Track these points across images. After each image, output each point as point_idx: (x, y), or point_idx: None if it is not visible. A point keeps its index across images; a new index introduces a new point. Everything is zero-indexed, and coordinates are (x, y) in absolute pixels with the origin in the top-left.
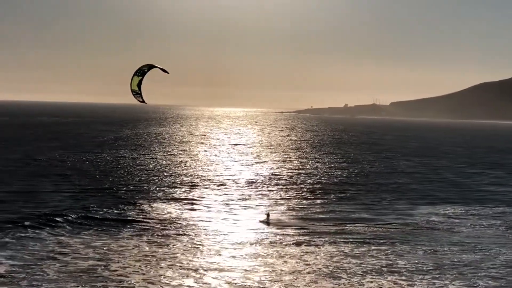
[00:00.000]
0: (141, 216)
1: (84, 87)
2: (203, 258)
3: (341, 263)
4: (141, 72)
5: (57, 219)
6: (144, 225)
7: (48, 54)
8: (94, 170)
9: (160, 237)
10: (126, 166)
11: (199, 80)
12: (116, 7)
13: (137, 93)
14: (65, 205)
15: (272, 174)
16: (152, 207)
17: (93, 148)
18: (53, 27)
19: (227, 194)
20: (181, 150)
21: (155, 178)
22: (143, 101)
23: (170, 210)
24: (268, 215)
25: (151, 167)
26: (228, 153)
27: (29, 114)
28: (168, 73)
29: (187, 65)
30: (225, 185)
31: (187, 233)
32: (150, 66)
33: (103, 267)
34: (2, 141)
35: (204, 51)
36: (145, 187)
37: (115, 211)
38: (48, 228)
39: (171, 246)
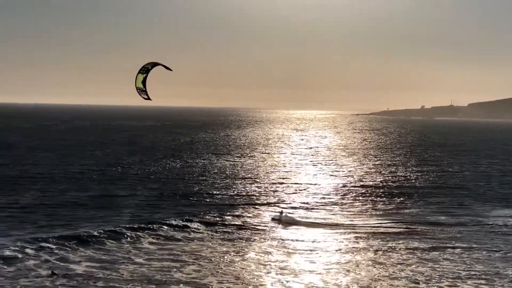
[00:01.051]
0: (218, 219)
1: (166, 91)
2: (280, 261)
3: (416, 266)
4: (145, 69)
5: (135, 224)
6: (219, 228)
7: (122, 58)
8: (170, 174)
9: (237, 240)
10: (203, 170)
11: (276, 82)
12: (198, 9)
13: (142, 90)
14: (142, 208)
15: (350, 177)
16: (229, 211)
17: (171, 152)
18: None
19: (306, 198)
20: (259, 153)
21: (232, 181)
22: (148, 98)
23: (249, 214)
24: (281, 213)
25: (229, 170)
26: (307, 157)
27: (109, 118)
28: (171, 70)
29: (263, 67)
30: (305, 189)
31: (262, 237)
32: (154, 64)
33: (175, 269)
34: (85, 145)
35: (282, 53)
36: (221, 190)
37: (188, 216)
38: (125, 230)
39: (246, 248)
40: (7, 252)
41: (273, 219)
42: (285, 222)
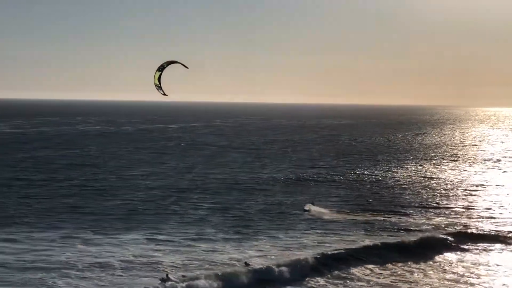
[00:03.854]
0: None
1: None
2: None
3: None
4: (161, 67)
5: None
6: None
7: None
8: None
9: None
10: (398, 174)
11: (445, 78)
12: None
13: (158, 87)
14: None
15: None
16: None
17: (367, 153)
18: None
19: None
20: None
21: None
22: (164, 94)
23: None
24: (312, 204)
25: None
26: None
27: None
28: (187, 67)
29: (432, 63)
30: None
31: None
32: (170, 62)
33: None
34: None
35: (454, 48)
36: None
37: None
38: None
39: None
40: None
41: (304, 210)
42: (315, 212)
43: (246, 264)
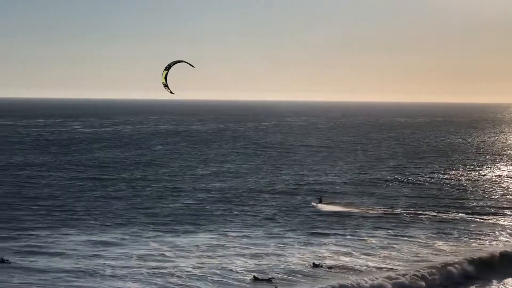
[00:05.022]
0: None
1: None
2: None
3: None
4: (168, 66)
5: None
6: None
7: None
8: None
9: None
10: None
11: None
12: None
13: (165, 85)
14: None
15: None
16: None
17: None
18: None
19: None
20: None
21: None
22: (171, 92)
23: None
24: (320, 199)
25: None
26: None
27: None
28: (193, 66)
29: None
30: None
31: None
32: (176, 61)
33: None
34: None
35: None
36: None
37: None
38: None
39: None
40: None
41: (313, 205)
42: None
43: (314, 265)
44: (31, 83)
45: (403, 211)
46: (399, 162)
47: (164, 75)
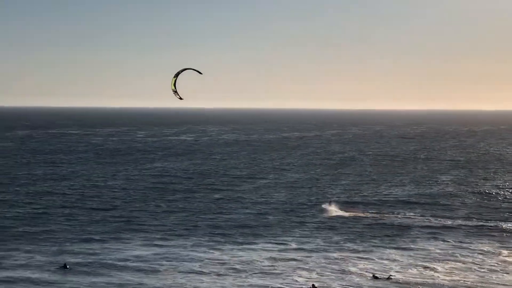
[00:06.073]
0: None
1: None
2: None
3: None
4: (177, 74)
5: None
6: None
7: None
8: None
9: None
10: None
11: None
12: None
13: (174, 92)
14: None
15: None
16: None
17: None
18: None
19: None
20: None
21: None
22: (180, 98)
23: None
24: (330, 203)
25: None
26: None
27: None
28: (201, 73)
29: None
30: None
31: None
32: (184, 69)
33: None
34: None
35: None
36: None
37: None
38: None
39: None
40: None
41: (323, 207)
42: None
43: (374, 277)
44: (94, 93)
45: (464, 222)
46: (461, 172)
47: (173, 82)
